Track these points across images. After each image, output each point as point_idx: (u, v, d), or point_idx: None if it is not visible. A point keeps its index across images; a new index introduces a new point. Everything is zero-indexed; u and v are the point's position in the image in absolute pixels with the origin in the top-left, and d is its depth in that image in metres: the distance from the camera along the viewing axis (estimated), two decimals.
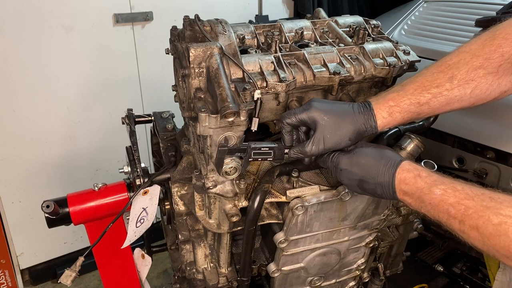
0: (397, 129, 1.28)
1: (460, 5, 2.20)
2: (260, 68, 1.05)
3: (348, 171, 0.96)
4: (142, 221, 1.24)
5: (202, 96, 0.99)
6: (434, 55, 1.91)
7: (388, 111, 0.96)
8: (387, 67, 1.12)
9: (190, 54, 0.99)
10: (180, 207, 1.26)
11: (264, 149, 1.01)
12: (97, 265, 1.38)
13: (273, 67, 1.06)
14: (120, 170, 1.33)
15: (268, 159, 1.03)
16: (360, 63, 1.12)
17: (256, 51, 1.12)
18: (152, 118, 1.47)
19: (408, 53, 1.19)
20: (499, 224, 0.73)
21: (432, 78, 0.95)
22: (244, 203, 1.10)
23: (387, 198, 0.94)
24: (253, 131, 1.02)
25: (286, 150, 1.01)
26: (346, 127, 0.96)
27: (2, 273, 2.38)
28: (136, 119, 1.43)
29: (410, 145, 1.20)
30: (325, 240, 1.22)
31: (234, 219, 1.08)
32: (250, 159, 1.01)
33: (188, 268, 1.32)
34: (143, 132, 2.33)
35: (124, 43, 2.36)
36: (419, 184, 0.87)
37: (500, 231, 0.73)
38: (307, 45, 1.17)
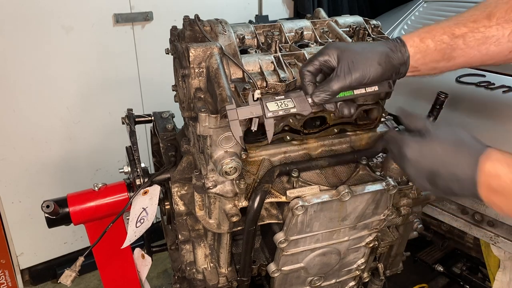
0: (397, 129, 1.28)
1: (460, 5, 2.20)
2: (260, 68, 1.05)
3: (418, 161, 0.80)
4: (142, 221, 1.24)
5: (202, 96, 0.99)
6: None
7: (419, 37, 0.87)
8: None
9: (190, 54, 0.99)
10: (180, 207, 1.26)
11: (281, 99, 0.88)
12: (97, 265, 1.38)
13: (273, 67, 1.06)
14: (120, 170, 1.33)
15: (292, 110, 0.89)
16: None
17: (256, 51, 1.12)
18: (152, 118, 1.47)
19: None
20: None
21: (468, 14, 0.88)
22: (244, 203, 1.10)
23: (466, 197, 0.80)
24: (253, 131, 1.02)
25: (310, 105, 0.89)
26: (372, 50, 0.86)
27: (2, 273, 2.39)
28: (136, 119, 1.44)
29: None
30: (325, 240, 1.22)
31: (234, 219, 1.08)
32: (270, 115, 0.88)
33: (188, 268, 1.32)
34: (143, 132, 2.33)
35: (124, 43, 2.36)
36: None
37: None
38: (307, 45, 1.17)
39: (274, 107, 0.89)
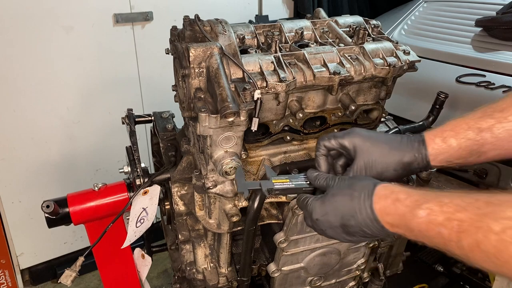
0: (397, 129, 1.28)
1: (460, 5, 2.20)
2: (260, 68, 1.05)
3: (327, 220, 0.81)
4: (142, 221, 1.24)
5: (202, 96, 0.99)
6: (434, 55, 1.91)
7: (441, 136, 0.84)
8: (387, 67, 1.12)
9: (190, 54, 0.99)
10: (180, 207, 1.26)
11: (291, 187, 0.91)
12: (97, 265, 1.38)
13: (273, 67, 1.06)
14: (120, 170, 1.33)
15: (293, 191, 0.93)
16: (360, 63, 1.12)
17: (256, 51, 1.12)
18: (152, 118, 1.47)
19: (408, 53, 1.19)
20: (503, 231, 0.58)
21: (495, 105, 0.83)
22: (244, 203, 1.10)
23: (384, 237, 0.81)
24: (253, 131, 1.02)
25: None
26: (391, 154, 0.85)
27: (2, 273, 2.38)
28: (136, 119, 1.43)
29: None
30: (325, 240, 1.22)
31: (234, 219, 1.08)
32: (276, 192, 0.91)
33: (188, 268, 1.32)
34: (143, 132, 2.33)
35: (124, 43, 2.36)
36: (400, 210, 0.72)
37: (506, 240, 0.57)
38: (307, 45, 1.17)
39: (280, 185, 0.91)
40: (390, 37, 1.25)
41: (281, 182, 0.90)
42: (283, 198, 1.13)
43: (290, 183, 0.90)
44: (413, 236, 0.71)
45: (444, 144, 0.84)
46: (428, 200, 0.69)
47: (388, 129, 1.31)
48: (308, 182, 0.90)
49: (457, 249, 0.64)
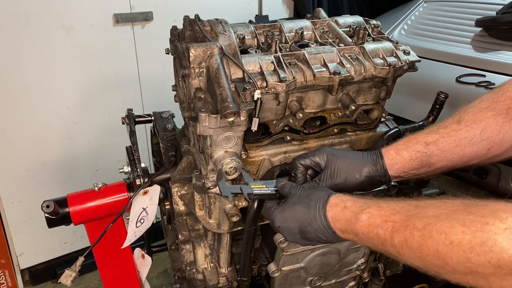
0: (397, 129, 1.28)
1: (460, 5, 2.20)
2: (260, 68, 1.05)
3: (287, 227, 0.90)
4: (142, 221, 1.24)
5: (202, 96, 0.99)
6: (434, 55, 1.91)
7: (395, 149, 0.97)
8: (387, 67, 1.12)
9: (190, 54, 0.99)
10: (180, 207, 1.26)
11: (267, 192, 1.00)
12: (97, 265, 1.38)
13: (273, 67, 1.06)
14: (120, 170, 1.33)
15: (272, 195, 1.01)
16: (360, 63, 1.12)
17: (256, 51, 1.12)
18: (152, 118, 1.47)
19: (408, 53, 1.19)
20: (424, 227, 0.67)
21: (441, 123, 0.97)
22: (244, 203, 1.10)
23: (336, 242, 0.88)
24: (253, 131, 1.02)
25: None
26: (353, 164, 0.97)
27: (2, 273, 2.39)
28: (136, 119, 1.43)
29: None
30: None
31: (234, 219, 1.08)
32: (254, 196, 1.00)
33: (188, 268, 1.32)
34: (143, 132, 2.33)
35: (124, 43, 2.36)
36: (347, 215, 0.81)
37: (425, 235, 0.66)
38: (307, 45, 1.17)
39: (258, 191, 0.99)
40: (390, 37, 1.25)
41: (258, 188, 0.99)
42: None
43: (267, 188, 0.99)
44: (359, 240, 0.80)
45: (397, 155, 0.96)
46: (369, 206, 0.79)
47: (388, 129, 1.31)
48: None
49: (391, 247, 0.72)
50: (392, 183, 1.13)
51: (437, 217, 0.66)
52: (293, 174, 1.04)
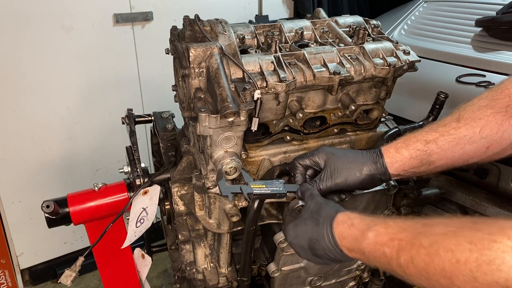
0: (397, 129, 1.28)
1: (460, 5, 2.20)
2: (260, 68, 1.05)
3: (297, 242, 0.90)
4: (142, 221, 1.24)
5: (202, 96, 0.99)
6: (434, 55, 1.91)
7: (395, 147, 0.96)
8: (387, 67, 1.12)
9: (190, 54, 0.99)
10: (180, 207, 1.26)
11: (267, 192, 0.99)
12: (97, 265, 1.38)
13: (273, 67, 1.06)
14: (120, 170, 1.33)
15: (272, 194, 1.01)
16: (360, 63, 1.12)
17: (256, 51, 1.12)
18: (152, 118, 1.47)
19: (408, 53, 1.19)
20: (430, 245, 0.65)
21: (440, 121, 0.97)
22: (244, 203, 1.10)
23: (346, 261, 0.87)
24: (253, 131, 1.02)
25: (292, 191, 1.00)
26: (353, 163, 0.97)
27: (2, 273, 2.38)
28: (136, 119, 1.43)
29: None
30: None
31: (234, 219, 1.08)
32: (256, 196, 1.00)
33: (188, 268, 1.32)
34: (143, 132, 2.33)
35: (124, 43, 2.36)
36: (354, 233, 0.80)
37: (432, 253, 0.64)
38: (307, 45, 1.17)
39: (258, 190, 0.99)
40: (390, 37, 1.25)
41: (258, 188, 0.99)
42: (283, 198, 1.13)
43: (267, 188, 0.99)
44: (366, 259, 0.78)
45: (397, 153, 0.95)
46: (376, 223, 0.77)
47: (388, 129, 1.31)
48: (281, 188, 0.99)
49: (397, 267, 0.70)
50: (392, 183, 1.14)
51: (444, 235, 0.65)
52: (292, 174, 1.04)
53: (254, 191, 0.98)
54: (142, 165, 1.29)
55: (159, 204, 1.29)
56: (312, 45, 1.17)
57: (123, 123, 1.43)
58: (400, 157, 0.95)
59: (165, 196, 1.35)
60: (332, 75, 1.07)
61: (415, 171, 0.97)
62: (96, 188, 1.28)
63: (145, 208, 1.23)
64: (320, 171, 1.01)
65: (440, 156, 0.93)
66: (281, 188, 0.99)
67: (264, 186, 0.99)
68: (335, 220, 0.84)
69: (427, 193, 1.35)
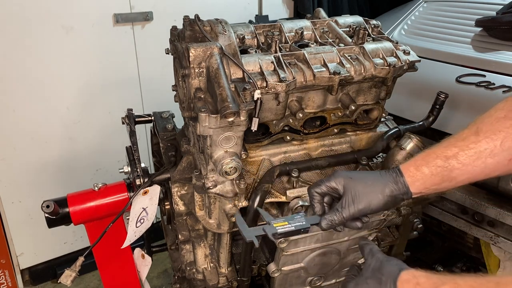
0: (397, 129, 1.28)
1: (460, 5, 2.20)
2: (260, 68, 1.05)
3: None
4: (142, 221, 1.24)
5: (202, 96, 0.99)
6: (434, 55, 1.91)
7: (414, 165, 0.93)
8: (387, 67, 1.12)
9: (190, 54, 0.99)
10: (180, 207, 1.26)
11: (292, 229, 0.96)
12: (97, 265, 1.38)
13: (273, 67, 1.06)
14: (120, 170, 1.33)
15: (296, 230, 0.97)
16: (360, 63, 1.12)
17: (256, 51, 1.12)
18: (152, 118, 1.47)
19: (408, 53, 1.19)
20: None
21: (458, 135, 0.93)
22: (244, 203, 1.10)
23: None
24: (253, 131, 1.02)
25: (315, 223, 0.97)
26: (373, 185, 0.94)
27: (2, 273, 2.38)
28: (136, 119, 1.43)
29: (410, 145, 1.20)
30: (325, 240, 1.22)
31: (234, 219, 1.08)
32: (279, 237, 0.96)
33: (188, 268, 1.32)
34: (143, 132, 2.32)
35: (124, 43, 2.36)
36: None
37: None
38: (307, 45, 1.17)
39: (282, 229, 0.94)
40: (390, 37, 1.25)
41: (281, 226, 0.95)
42: (283, 198, 1.13)
43: (290, 225, 0.95)
44: None
45: (417, 172, 0.92)
46: (444, 282, 0.74)
47: (388, 129, 1.31)
48: (303, 222, 0.96)
49: None
50: None
51: None
52: (310, 204, 1.00)
53: (279, 231, 0.94)
54: (142, 165, 1.29)
55: (159, 204, 1.29)
56: (312, 45, 1.17)
57: (123, 123, 1.43)
58: (421, 175, 0.92)
59: (165, 196, 1.35)
60: (332, 75, 1.07)
61: (436, 188, 0.94)
62: (96, 188, 1.28)
63: (145, 208, 1.23)
64: (337, 197, 0.98)
65: (461, 172, 0.91)
66: (304, 222, 0.96)
67: (286, 223, 0.96)
68: (399, 279, 0.82)
69: None
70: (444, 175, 0.91)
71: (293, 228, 0.95)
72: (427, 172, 0.92)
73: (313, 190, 0.97)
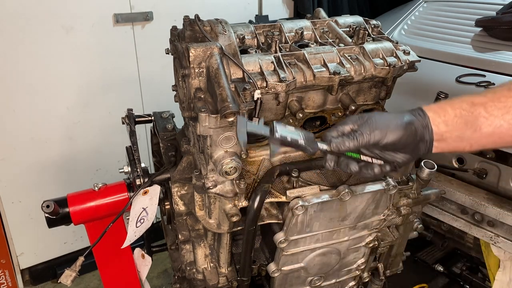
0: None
1: (460, 5, 2.20)
2: (260, 68, 1.05)
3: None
4: (142, 221, 1.24)
5: (202, 96, 0.99)
6: (434, 55, 1.91)
7: (437, 105, 0.88)
8: (387, 67, 1.12)
9: (190, 54, 0.99)
10: (180, 207, 1.26)
11: (292, 130, 0.88)
12: (97, 265, 1.38)
13: (273, 67, 1.06)
14: (120, 170, 1.33)
15: (299, 141, 0.88)
16: (360, 63, 1.12)
17: (256, 51, 1.12)
18: (152, 118, 1.47)
19: (408, 53, 1.19)
20: None
21: (488, 89, 0.90)
22: (244, 203, 1.10)
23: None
24: None
25: (323, 146, 0.88)
26: (392, 115, 0.89)
27: (2, 273, 2.38)
28: (136, 119, 1.43)
29: None
30: (325, 240, 1.22)
31: (234, 219, 1.08)
32: (278, 137, 0.86)
33: (188, 268, 1.32)
34: (143, 132, 2.33)
35: (124, 43, 2.36)
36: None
37: None
38: (307, 45, 1.17)
39: (284, 132, 0.87)
40: (390, 37, 1.25)
41: (289, 132, 0.88)
42: (283, 198, 1.13)
43: (298, 135, 0.88)
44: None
45: (440, 109, 0.87)
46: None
47: None
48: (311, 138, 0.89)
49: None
50: (392, 182, 1.13)
51: None
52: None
53: (282, 133, 0.85)
54: (142, 165, 1.29)
55: (159, 204, 1.29)
56: (312, 45, 1.17)
57: (123, 123, 1.43)
58: (444, 112, 0.86)
59: (165, 196, 1.35)
60: (332, 75, 1.07)
61: (458, 136, 0.87)
62: (96, 188, 1.28)
63: (145, 208, 1.23)
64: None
65: (488, 122, 0.84)
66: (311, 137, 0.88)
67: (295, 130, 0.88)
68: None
69: (427, 193, 1.35)
70: (469, 120, 0.85)
71: (300, 139, 0.87)
72: (450, 112, 0.86)
73: (329, 133, 0.90)
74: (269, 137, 0.87)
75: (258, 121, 0.89)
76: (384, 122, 0.87)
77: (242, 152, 1.08)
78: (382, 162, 0.90)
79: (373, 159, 0.90)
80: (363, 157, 0.90)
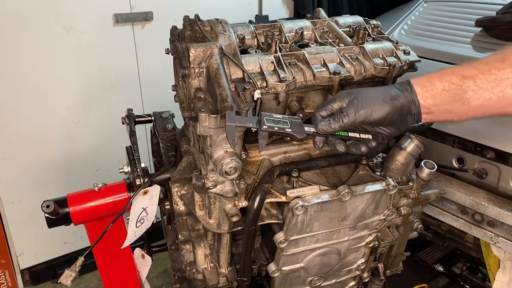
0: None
1: (460, 5, 2.20)
2: (260, 68, 1.05)
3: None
4: (142, 221, 1.24)
5: (202, 96, 0.99)
6: (434, 55, 1.91)
7: (426, 78, 0.88)
8: (387, 67, 1.12)
9: (190, 54, 0.99)
10: (180, 207, 1.26)
11: (279, 118, 0.91)
12: (97, 265, 1.38)
13: (273, 67, 1.06)
14: (120, 170, 1.33)
15: (287, 130, 0.90)
16: (360, 63, 1.12)
17: (256, 51, 1.12)
18: (152, 118, 1.47)
19: (408, 53, 1.19)
20: None
21: (482, 58, 0.87)
22: (244, 203, 1.10)
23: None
24: (253, 131, 1.02)
25: (311, 129, 0.91)
26: (378, 90, 0.89)
27: (2, 273, 2.39)
28: (136, 119, 1.44)
29: (410, 145, 1.20)
30: (325, 240, 1.22)
31: (234, 219, 1.08)
32: (265, 129, 0.90)
33: (188, 268, 1.32)
34: (143, 132, 2.33)
35: (124, 43, 2.36)
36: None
37: None
38: (307, 45, 1.17)
39: (270, 122, 0.91)
40: (390, 37, 1.25)
41: (274, 120, 0.91)
42: (283, 198, 1.13)
43: (284, 122, 0.91)
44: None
45: (428, 83, 0.87)
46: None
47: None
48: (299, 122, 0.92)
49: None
50: (392, 182, 1.13)
51: None
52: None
53: (268, 124, 0.90)
54: (142, 165, 1.29)
55: (159, 204, 1.29)
56: (312, 45, 1.17)
57: (123, 123, 1.44)
58: (432, 86, 0.86)
59: (165, 196, 1.35)
60: (332, 75, 1.07)
61: (446, 108, 0.87)
62: (96, 188, 1.28)
63: (145, 208, 1.23)
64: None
65: (476, 95, 0.84)
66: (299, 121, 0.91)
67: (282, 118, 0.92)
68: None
69: (427, 193, 1.35)
70: (457, 94, 0.85)
71: (287, 127, 0.90)
72: (439, 85, 0.86)
73: (318, 113, 0.92)
74: (258, 130, 0.90)
75: (246, 112, 0.92)
76: (369, 101, 0.88)
77: (243, 153, 1.08)
78: (370, 137, 0.92)
79: (360, 134, 0.92)
80: (351, 134, 0.92)
